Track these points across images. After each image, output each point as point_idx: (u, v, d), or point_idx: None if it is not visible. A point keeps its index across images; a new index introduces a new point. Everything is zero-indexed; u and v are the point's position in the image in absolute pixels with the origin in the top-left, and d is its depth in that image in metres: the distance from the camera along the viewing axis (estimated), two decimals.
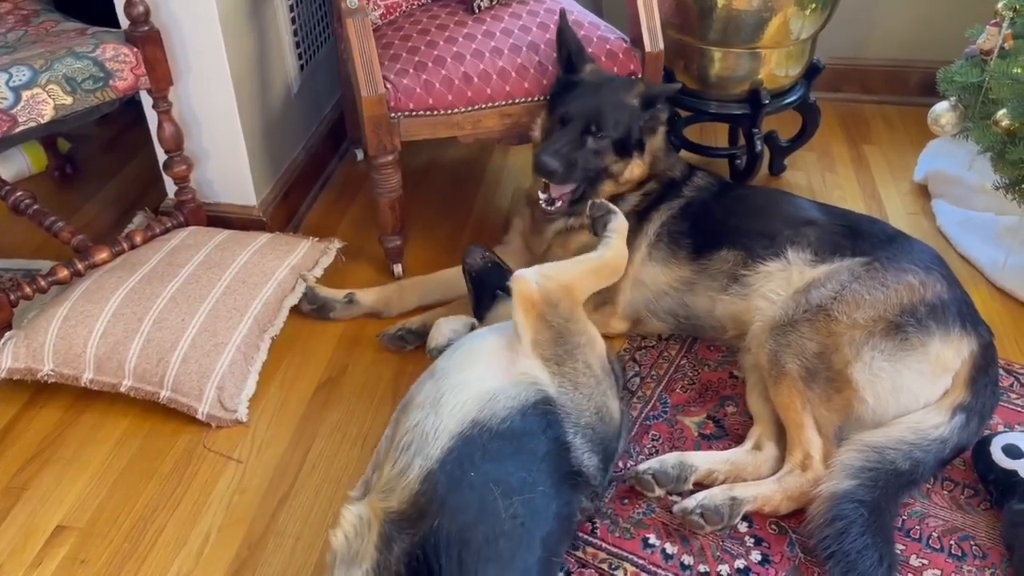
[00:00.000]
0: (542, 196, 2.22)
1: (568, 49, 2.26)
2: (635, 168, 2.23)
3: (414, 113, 2.27)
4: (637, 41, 2.40)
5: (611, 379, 1.70)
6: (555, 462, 1.50)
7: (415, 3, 2.58)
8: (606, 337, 2.19)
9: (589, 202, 1.97)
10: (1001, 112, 2.17)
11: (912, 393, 1.83)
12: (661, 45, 2.39)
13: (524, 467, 1.44)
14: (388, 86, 2.23)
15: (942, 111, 2.40)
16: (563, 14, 2.29)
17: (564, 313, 1.59)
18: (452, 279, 2.36)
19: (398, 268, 2.53)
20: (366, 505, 1.43)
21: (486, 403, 1.47)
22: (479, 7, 2.49)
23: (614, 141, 2.17)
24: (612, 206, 1.90)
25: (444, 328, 2.01)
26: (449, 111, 2.29)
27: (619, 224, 1.84)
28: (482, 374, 1.54)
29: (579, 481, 1.55)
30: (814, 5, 2.51)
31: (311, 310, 2.34)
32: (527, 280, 1.60)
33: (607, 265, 1.77)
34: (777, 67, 2.63)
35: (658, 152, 2.28)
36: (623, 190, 2.25)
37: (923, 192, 2.84)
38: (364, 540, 1.37)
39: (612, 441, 1.68)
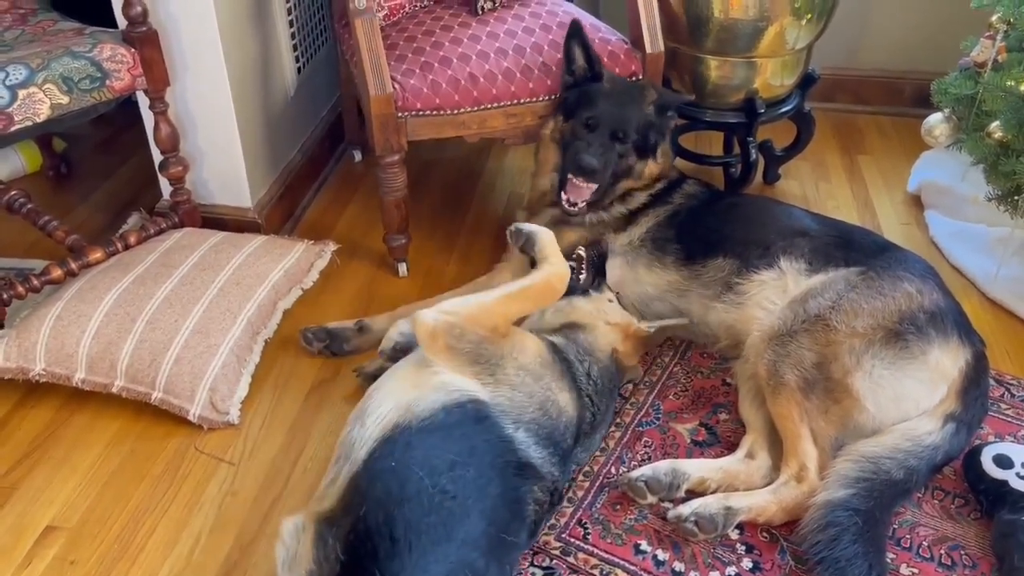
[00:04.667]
0: (564, 197, 2.25)
1: (588, 58, 2.29)
2: (652, 167, 2.31)
3: (421, 113, 2.29)
4: (637, 42, 2.44)
5: (556, 373, 1.75)
6: (494, 451, 1.55)
7: (418, 5, 2.60)
8: None
9: (508, 230, 2.00)
10: (994, 124, 2.18)
11: (913, 401, 1.84)
12: (661, 46, 2.43)
13: (453, 452, 1.49)
14: (396, 86, 2.25)
15: (936, 122, 2.41)
16: (576, 24, 2.30)
17: (473, 340, 1.65)
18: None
19: (403, 267, 2.54)
20: (302, 514, 1.51)
21: (406, 409, 1.55)
22: (482, 8, 2.51)
23: (635, 144, 2.25)
24: (529, 227, 1.93)
25: (394, 331, 2.02)
26: (456, 111, 2.31)
27: (544, 241, 1.89)
28: (402, 388, 1.61)
29: (527, 472, 1.59)
30: (810, 15, 2.52)
31: (323, 348, 2.22)
32: (425, 320, 1.65)
33: (536, 288, 1.82)
34: (772, 77, 2.64)
35: (668, 154, 2.36)
36: (638, 187, 2.30)
37: (916, 202, 2.85)
38: (300, 542, 1.45)
39: (563, 435, 1.70)
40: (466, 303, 1.71)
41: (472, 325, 1.66)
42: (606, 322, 2.01)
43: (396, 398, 1.58)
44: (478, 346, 1.65)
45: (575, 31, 2.30)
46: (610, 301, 2.09)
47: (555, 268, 1.84)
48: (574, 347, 1.88)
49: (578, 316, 1.99)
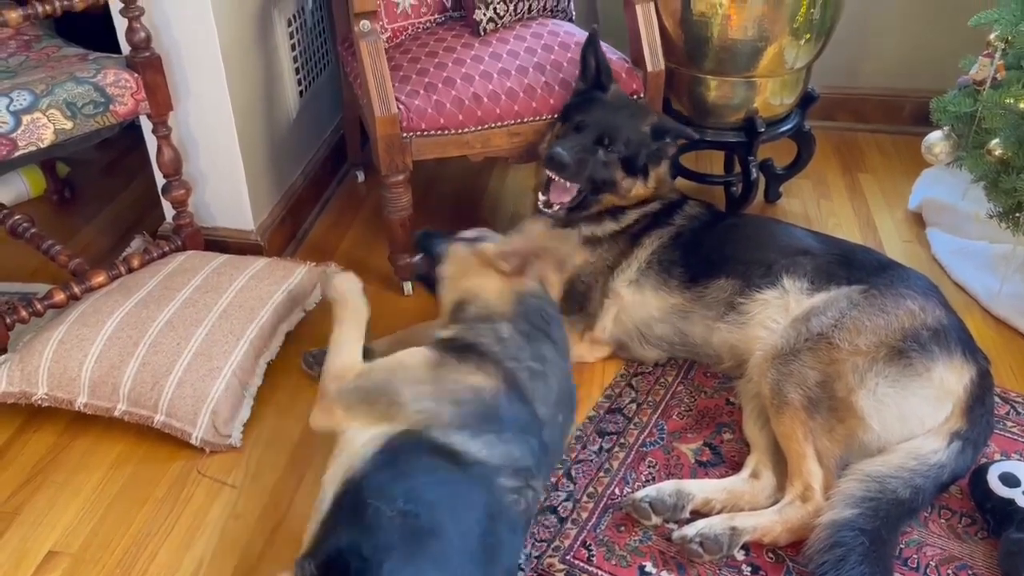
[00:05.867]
0: (541, 198, 2.26)
1: (597, 67, 2.32)
2: (640, 188, 2.30)
3: (426, 133, 2.30)
4: (638, 61, 2.46)
5: (452, 363, 1.71)
6: (440, 464, 1.55)
7: (421, 27, 2.62)
8: (588, 362, 2.26)
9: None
10: (994, 141, 2.19)
11: (918, 419, 1.83)
12: (662, 64, 2.45)
13: (404, 479, 1.50)
14: (400, 107, 2.26)
15: (936, 140, 2.42)
16: (594, 33, 2.35)
17: (358, 393, 1.70)
18: None
19: (408, 286, 2.54)
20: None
21: (348, 467, 1.57)
22: (484, 29, 2.52)
23: (622, 158, 2.24)
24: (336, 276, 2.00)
25: None
26: (460, 131, 2.33)
27: (341, 287, 1.97)
28: (343, 453, 1.63)
29: (478, 469, 1.56)
30: (808, 35, 2.54)
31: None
32: (314, 416, 1.75)
33: (340, 326, 1.90)
34: (772, 96, 2.65)
35: (662, 180, 2.35)
36: (624, 204, 2.30)
37: (918, 220, 2.86)
38: None
39: (497, 408, 1.65)
40: (325, 373, 1.80)
41: (342, 383, 1.73)
42: (478, 272, 1.88)
43: (340, 462, 1.60)
44: (353, 392, 1.70)
45: (591, 41, 2.33)
46: (465, 244, 1.95)
47: (344, 306, 1.93)
48: (466, 327, 1.79)
49: (454, 292, 1.90)
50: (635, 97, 2.44)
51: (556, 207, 2.26)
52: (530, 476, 1.63)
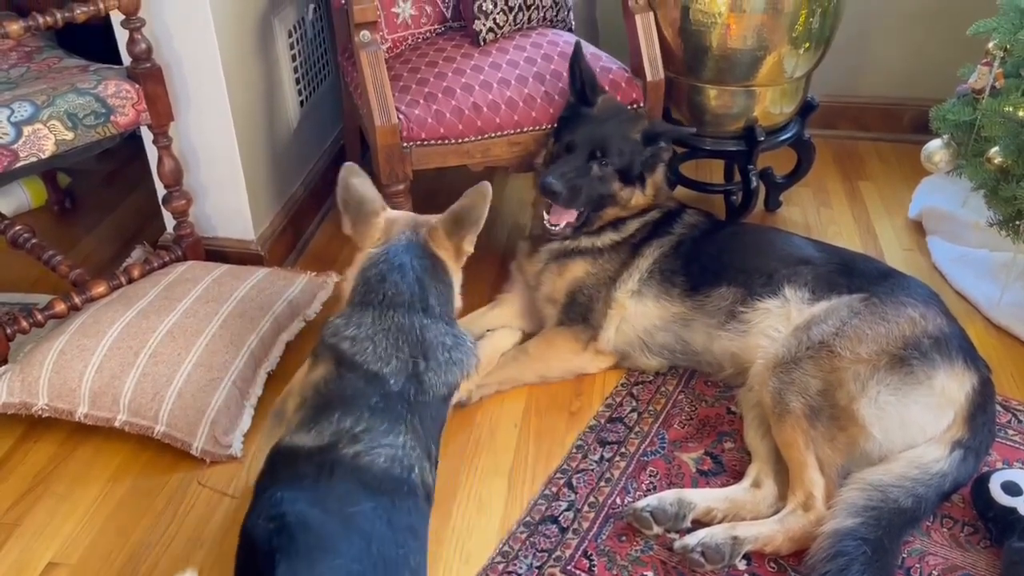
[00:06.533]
0: (546, 217, 2.26)
1: (582, 80, 2.31)
2: (639, 197, 2.30)
3: (426, 142, 2.31)
4: (638, 71, 2.47)
5: (312, 366, 1.75)
6: (291, 467, 1.59)
7: (421, 37, 2.63)
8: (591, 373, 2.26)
9: None
10: (993, 150, 2.19)
11: (919, 427, 1.83)
12: (662, 74, 2.46)
13: (267, 491, 1.55)
14: (400, 116, 2.27)
15: (935, 148, 2.42)
16: (578, 46, 2.35)
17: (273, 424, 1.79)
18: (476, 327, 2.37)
19: None
20: None
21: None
22: (484, 39, 2.53)
23: (617, 169, 2.24)
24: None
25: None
26: (460, 140, 2.34)
27: None
28: None
29: (324, 453, 1.59)
30: (808, 44, 2.54)
31: None
32: None
33: None
34: (772, 105, 2.66)
35: (659, 187, 2.35)
36: (626, 215, 2.30)
37: (918, 228, 2.86)
38: None
39: (328, 396, 1.66)
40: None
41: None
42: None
43: None
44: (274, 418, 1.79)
45: (576, 54, 2.33)
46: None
47: None
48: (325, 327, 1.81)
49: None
50: (635, 106, 2.45)
51: (562, 225, 2.26)
52: (378, 435, 1.61)
